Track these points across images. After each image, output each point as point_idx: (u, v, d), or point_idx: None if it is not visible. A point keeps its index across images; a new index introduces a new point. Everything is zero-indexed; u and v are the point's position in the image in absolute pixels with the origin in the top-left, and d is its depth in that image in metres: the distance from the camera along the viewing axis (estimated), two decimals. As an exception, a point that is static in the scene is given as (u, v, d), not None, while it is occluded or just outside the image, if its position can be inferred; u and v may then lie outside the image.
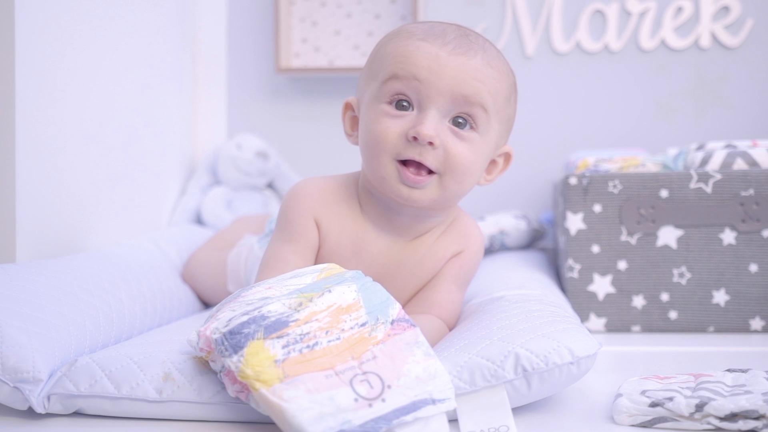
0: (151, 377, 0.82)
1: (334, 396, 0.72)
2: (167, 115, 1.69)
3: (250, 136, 1.80)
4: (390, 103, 0.95)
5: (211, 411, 0.82)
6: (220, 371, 0.79)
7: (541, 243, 1.78)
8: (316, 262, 1.02)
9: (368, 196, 1.02)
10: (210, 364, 0.81)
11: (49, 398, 0.83)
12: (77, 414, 0.84)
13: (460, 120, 0.94)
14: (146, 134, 1.57)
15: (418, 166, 0.94)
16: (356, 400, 0.72)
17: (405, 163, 0.94)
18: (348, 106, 1.03)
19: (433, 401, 0.75)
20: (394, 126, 0.94)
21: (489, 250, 1.61)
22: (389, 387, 0.74)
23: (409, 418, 0.73)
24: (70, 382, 0.82)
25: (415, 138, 0.92)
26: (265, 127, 1.93)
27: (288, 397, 0.71)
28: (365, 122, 0.97)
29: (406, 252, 1.03)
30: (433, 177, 0.95)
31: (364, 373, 0.75)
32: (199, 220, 1.75)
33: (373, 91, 0.96)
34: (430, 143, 0.92)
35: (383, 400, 0.73)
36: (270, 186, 1.85)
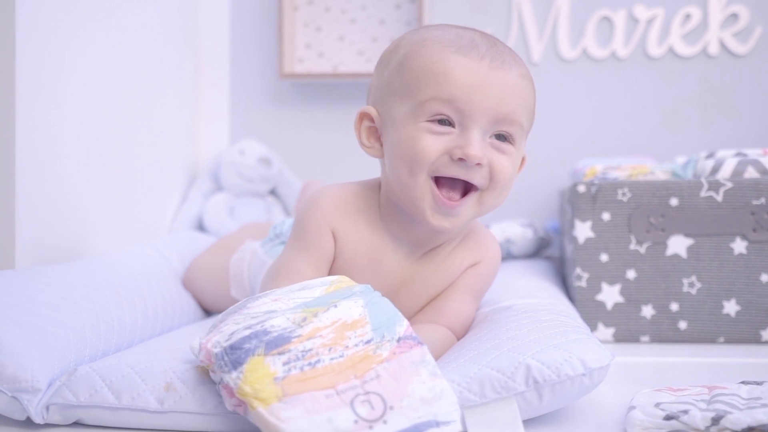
0: (152, 387, 0.81)
1: (333, 417, 0.70)
2: (169, 121, 1.68)
3: (252, 142, 1.79)
4: (431, 120, 0.93)
5: (213, 422, 0.80)
6: (219, 383, 0.77)
7: (547, 251, 1.77)
8: (331, 273, 1.00)
9: (390, 206, 1.00)
10: (210, 375, 0.80)
11: (47, 408, 0.81)
12: (77, 424, 0.83)
13: (500, 135, 0.94)
14: (148, 140, 1.56)
15: (452, 184, 0.93)
16: (356, 421, 0.70)
17: (437, 180, 0.93)
18: (364, 116, 0.99)
19: (437, 424, 0.73)
20: (436, 144, 0.92)
21: (495, 259, 1.60)
22: (391, 408, 0.72)
23: None
24: (70, 391, 0.81)
25: (461, 159, 0.91)
26: (268, 133, 1.91)
27: (285, 418, 0.70)
28: (402, 139, 0.94)
29: (421, 263, 1.01)
30: (471, 196, 0.94)
31: (366, 393, 0.73)
32: (200, 227, 1.74)
33: (409, 109, 0.94)
34: (478, 164, 0.91)
35: (384, 422, 0.71)
36: (273, 192, 1.83)
